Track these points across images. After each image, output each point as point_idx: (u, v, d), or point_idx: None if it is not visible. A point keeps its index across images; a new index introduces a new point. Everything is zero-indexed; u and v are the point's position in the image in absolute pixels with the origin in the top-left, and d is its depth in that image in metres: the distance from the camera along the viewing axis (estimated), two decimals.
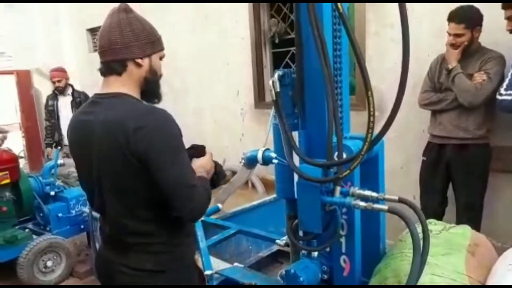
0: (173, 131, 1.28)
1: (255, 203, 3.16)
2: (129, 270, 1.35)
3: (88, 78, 7.14)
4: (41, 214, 3.69)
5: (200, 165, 1.47)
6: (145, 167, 1.24)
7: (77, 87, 7.51)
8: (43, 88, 7.90)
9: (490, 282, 1.33)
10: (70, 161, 4.56)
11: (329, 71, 1.40)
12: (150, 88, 1.41)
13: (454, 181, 2.83)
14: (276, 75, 1.60)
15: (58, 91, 5.10)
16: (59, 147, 4.70)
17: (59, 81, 5.04)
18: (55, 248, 3.45)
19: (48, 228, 3.66)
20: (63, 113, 5.13)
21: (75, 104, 5.07)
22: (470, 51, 2.69)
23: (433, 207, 2.83)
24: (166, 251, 1.37)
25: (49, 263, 3.41)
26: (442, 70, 2.78)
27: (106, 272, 1.44)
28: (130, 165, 1.25)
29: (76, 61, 7.50)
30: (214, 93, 5.05)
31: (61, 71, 5.14)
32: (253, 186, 4.12)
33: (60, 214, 3.65)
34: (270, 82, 1.60)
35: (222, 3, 4.66)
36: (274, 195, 3.28)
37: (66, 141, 5.02)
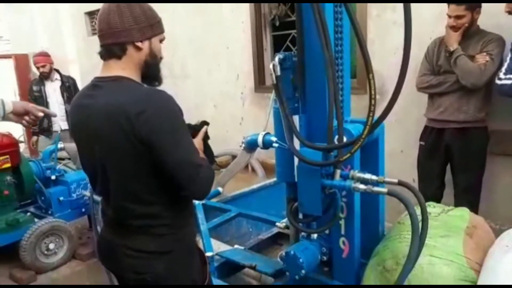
0: (175, 113, 1.29)
1: (255, 186, 3.18)
2: (132, 252, 1.36)
3: (87, 62, 7.11)
4: (42, 198, 3.72)
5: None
6: (149, 150, 1.25)
7: (77, 71, 7.51)
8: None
9: (487, 263, 1.36)
10: (72, 145, 4.57)
11: (330, 54, 1.39)
12: (151, 71, 1.41)
13: (453, 165, 2.84)
14: (276, 59, 1.60)
15: (44, 77, 4.91)
16: (59, 131, 4.67)
17: (43, 66, 4.84)
18: (57, 231, 3.49)
19: (49, 212, 3.69)
20: (52, 98, 4.97)
21: (65, 89, 4.95)
22: (470, 33, 2.67)
23: (431, 191, 2.85)
24: (169, 233, 1.38)
25: (51, 246, 3.45)
26: (441, 53, 2.76)
27: (110, 255, 1.45)
28: (134, 149, 1.25)
29: (76, 45, 7.44)
30: (214, 77, 5.02)
31: (45, 55, 4.94)
32: (253, 170, 4.14)
33: (61, 198, 3.67)
34: (271, 66, 1.60)
35: None
36: (274, 179, 3.30)
37: (57, 127, 4.95)
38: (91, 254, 3.65)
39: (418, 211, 1.37)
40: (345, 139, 1.51)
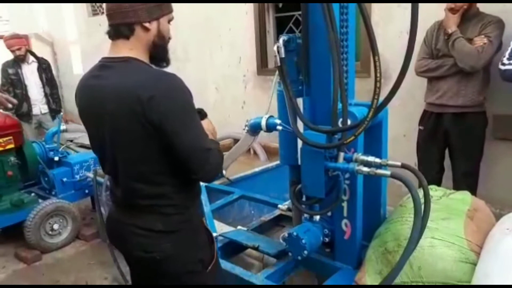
0: (185, 96, 1.29)
1: (257, 169, 3.20)
2: (140, 230, 1.39)
3: (88, 43, 7.07)
4: (46, 179, 3.75)
5: (206, 129, 1.49)
6: (161, 134, 1.25)
7: (78, 53, 7.47)
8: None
9: (487, 246, 1.38)
10: (73, 126, 4.57)
11: (335, 35, 1.39)
12: (159, 52, 1.39)
13: (452, 149, 2.84)
14: (281, 41, 1.59)
15: (20, 60, 4.73)
16: (61, 113, 4.66)
17: (18, 49, 4.65)
18: (61, 212, 3.53)
19: (53, 193, 3.72)
20: (30, 80, 4.81)
21: (42, 71, 4.84)
22: (468, 16, 2.65)
23: (431, 175, 2.86)
24: (176, 213, 1.40)
25: (55, 226, 3.49)
26: (439, 37, 2.75)
27: (118, 234, 1.47)
28: (144, 131, 1.26)
29: (76, 26, 7.37)
30: (216, 60, 4.99)
31: (18, 38, 4.73)
32: (255, 153, 4.15)
33: (64, 179, 3.70)
34: (275, 48, 1.59)
35: None
36: (276, 162, 3.32)
37: (37, 110, 4.84)
38: (95, 234, 3.70)
39: (420, 194, 1.38)
40: (349, 122, 1.51)
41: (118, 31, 1.33)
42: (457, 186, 2.74)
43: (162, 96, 1.23)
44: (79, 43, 7.42)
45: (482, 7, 2.71)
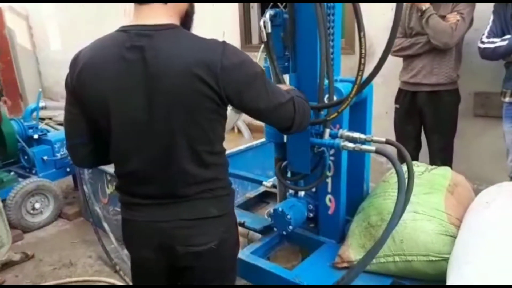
0: (251, 60, 1.20)
1: (242, 147, 3.21)
2: (189, 222, 1.23)
3: (65, 17, 6.83)
4: (26, 157, 3.68)
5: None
6: (235, 102, 1.16)
7: (55, 27, 7.21)
8: (17, 27, 7.54)
9: (466, 218, 1.42)
10: (53, 104, 4.46)
11: (322, 10, 1.37)
12: (189, 23, 1.26)
13: (426, 127, 2.91)
14: (267, 15, 1.56)
15: None
16: (40, 89, 4.52)
17: None
18: (42, 191, 3.48)
19: (33, 171, 3.66)
20: None
21: None
22: None
23: (408, 151, 2.92)
24: (226, 194, 1.30)
25: (37, 205, 3.45)
26: (412, 15, 2.77)
27: (151, 236, 1.25)
28: (212, 104, 1.13)
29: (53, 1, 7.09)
30: (200, 34, 4.88)
31: None
32: (239, 131, 4.15)
33: (45, 157, 3.63)
34: (261, 23, 1.57)
35: None
36: (260, 140, 3.33)
37: None
38: (77, 213, 3.68)
39: (403, 169, 1.41)
40: (335, 98, 1.52)
41: None
42: (432, 162, 2.81)
43: (236, 64, 1.13)
44: (55, 18, 7.16)
45: None
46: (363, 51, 1.28)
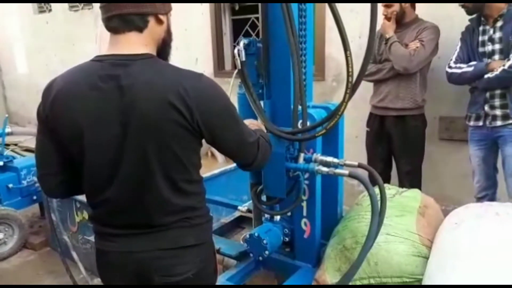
0: (226, 95, 1.21)
1: (216, 172, 3.20)
2: (166, 252, 1.21)
3: (33, 41, 6.72)
4: None
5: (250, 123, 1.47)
6: (205, 134, 1.17)
7: (22, 50, 7.07)
8: None
9: (437, 239, 1.47)
10: (20, 129, 4.33)
11: (295, 39, 1.42)
12: (166, 51, 1.27)
13: (394, 150, 3.01)
14: (241, 44, 1.60)
15: None
16: (6, 115, 4.40)
17: None
18: (6, 220, 3.33)
19: None
20: None
21: None
22: (407, 22, 2.85)
23: (379, 173, 2.99)
24: (204, 222, 1.29)
25: (0, 235, 3.30)
26: (382, 43, 2.91)
27: (132, 268, 1.22)
28: (187, 132, 1.14)
29: (21, 23, 6.98)
30: (172, 61, 4.90)
31: None
32: (213, 155, 4.14)
33: (10, 185, 3.48)
34: (236, 51, 1.60)
35: None
36: (234, 165, 3.33)
37: None
38: (44, 243, 3.53)
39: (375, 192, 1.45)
40: (308, 123, 1.56)
41: (129, 22, 1.14)
42: (401, 185, 2.88)
43: (208, 95, 1.15)
44: (23, 41, 7.03)
45: (424, 12, 2.88)
46: (350, 70, 1.31)
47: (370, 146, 3.11)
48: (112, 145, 1.14)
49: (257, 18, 4.08)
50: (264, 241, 1.68)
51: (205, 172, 3.17)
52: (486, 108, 2.51)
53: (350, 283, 1.47)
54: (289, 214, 1.78)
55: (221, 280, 1.72)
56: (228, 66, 4.60)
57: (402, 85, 2.83)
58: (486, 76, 2.42)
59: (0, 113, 6.50)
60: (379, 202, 1.40)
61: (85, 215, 2.91)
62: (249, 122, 1.45)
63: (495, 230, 1.33)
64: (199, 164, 1.27)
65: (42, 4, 6.54)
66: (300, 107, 1.54)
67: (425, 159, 3.01)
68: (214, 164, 3.95)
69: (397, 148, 2.95)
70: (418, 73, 2.80)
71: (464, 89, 2.73)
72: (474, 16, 2.54)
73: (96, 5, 5.39)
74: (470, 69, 2.49)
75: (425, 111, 2.93)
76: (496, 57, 2.45)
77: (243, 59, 1.59)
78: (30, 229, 3.66)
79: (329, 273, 1.59)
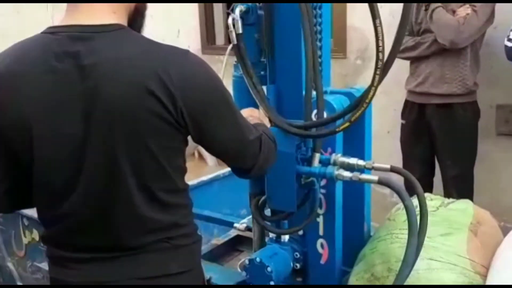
0: (218, 76, 1.22)
1: (204, 178, 3.20)
2: (142, 281, 1.22)
3: None
4: None
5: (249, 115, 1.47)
6: (191, 129, 1.17)
7: None
8: None
9: (495, 265, 1.46)
10: None
11: (307, 5, 1.42)
12: (137, 21, 1.29)
13: (437, 149, 2.99)
14: (237, 11, 1.59)
15: None
16: None
17: None
18: None
19: None
20: None
21: None
22: None
23: (418, 179, 2.98)
24: (190, 243, 1.31)
25: None
26: (421, 9, 2.88)
27: None
28: (167, 128, 1.13)
29: None
30: (147, 33, 4.91)
31: None
32: (201, 156, 4.14)
33: None
34: (230, 21, 1.59)
35: None
36: (228, 169, 3.33)
37: None
38: None
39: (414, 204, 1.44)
40: (325, 114, 1.55)
41: None
42: (447, 193, 2.87)
43: (194, 77, 1.15)
44: None
45: None
46: (380, 44, 1.29)
47: (406, 144, 3.10)
48: (70, 143, 1.14)
49: None
50: (269, 269, 1.67)
51: (191, 179, 3.16)
52: None
53: None
54: (300, 233, 1.78)
55: None
56: (220, 40, 4.62)
57: (448, 64, 2.82)
58: None
59: None
60: (418, 217, 1.39)
61: (36, 235, 2.91)
62: (248, 113, 1.45)
63: None
64: (184, 168, 1.27)
65: None
66: (314, 93, 1.53)
67: (478, 160, 3.00)
68: (203, 168, 3.95)
69: (441, 146, 2.94)
70: (468, 48, 2.78)
71: None
72: None
73: None
74: None
75: (477, 98, 2.91)
76: None
77: (240, 31, 1.58)
78: None
79: None
